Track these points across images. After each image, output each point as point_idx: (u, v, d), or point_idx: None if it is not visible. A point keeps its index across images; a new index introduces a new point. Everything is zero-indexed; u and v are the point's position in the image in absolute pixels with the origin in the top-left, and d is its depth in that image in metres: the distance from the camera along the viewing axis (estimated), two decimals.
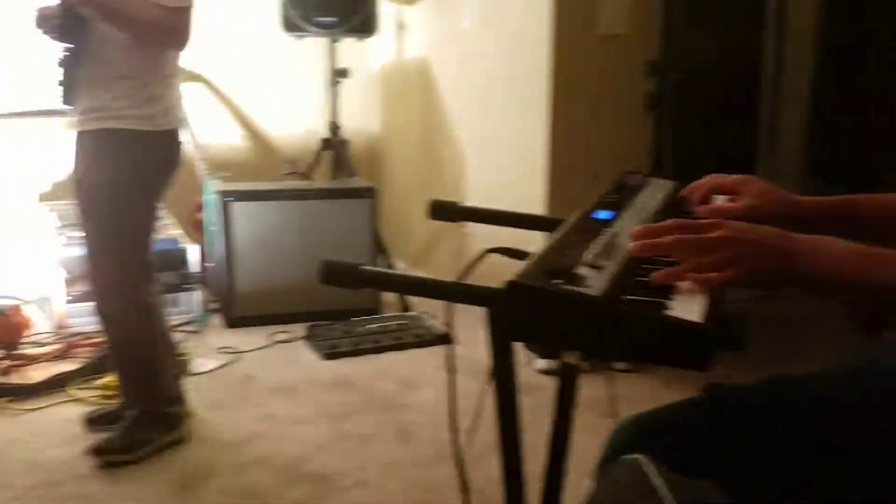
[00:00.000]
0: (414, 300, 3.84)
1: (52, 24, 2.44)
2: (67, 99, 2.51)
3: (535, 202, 3.43)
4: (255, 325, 3.66)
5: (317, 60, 4.09)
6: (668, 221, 1.06)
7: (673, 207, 1.33)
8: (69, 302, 3.54)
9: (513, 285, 0.97)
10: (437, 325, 3.65)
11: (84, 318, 3.52)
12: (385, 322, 3.66)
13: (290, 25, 3.83)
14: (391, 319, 3.69)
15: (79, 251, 3.44)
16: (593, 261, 1.05)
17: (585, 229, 1.20)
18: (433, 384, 3.14)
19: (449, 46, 4.01)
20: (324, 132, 4.12)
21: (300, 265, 3.71)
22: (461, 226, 3.63)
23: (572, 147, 3.44)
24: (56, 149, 3.91)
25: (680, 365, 0.95)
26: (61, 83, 2.48)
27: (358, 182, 3.98)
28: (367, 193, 3.83)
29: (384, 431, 2.79)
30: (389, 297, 3.94)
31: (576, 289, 0.95)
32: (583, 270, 1.01)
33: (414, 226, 4.40)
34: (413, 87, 4.33)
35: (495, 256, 1.26)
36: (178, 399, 2.70)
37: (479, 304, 1.04)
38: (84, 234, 2.55)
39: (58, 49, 2.48)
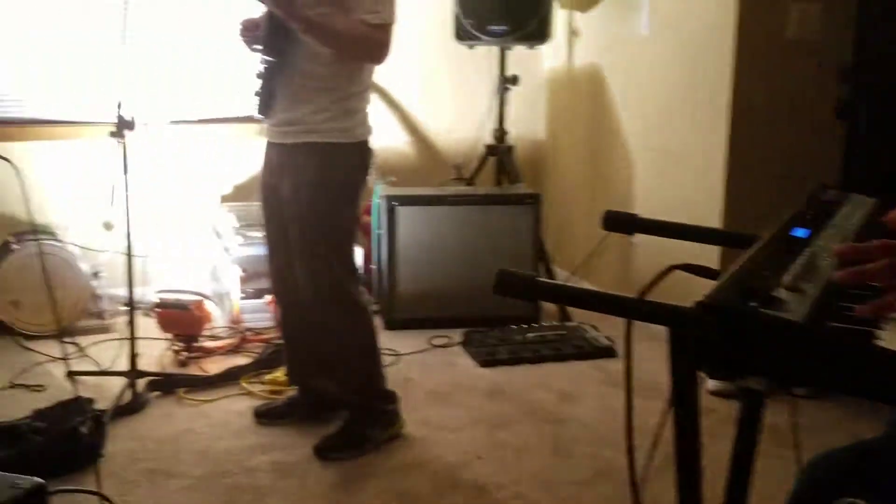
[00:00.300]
0: (573, 310, 3.76)
1: (256, 36, 2.52)
2: (264, 110, 2.57)
3: (711, 216, 3.27)
4: (413, 328, 3.69)
5: (486, 67, 4.09)
6: (876, 243, 0.95)
7: (874, 227, 1.22)
8: (243, 298, 3.69)
9: (704, 306, 0.91)
10: (598, 336, 3.56)
11: (256, 315, 3.67)
12: (544, 332, 3.60)
13: (463, 34, 3.84)
14: (550, 329, 3.63)
15: (255, 251, 3.61)
16: (792, 283, 0.97)
17: (781, 248, 1.11)
18: (593, 398, 3.06)
19: (622, 53, 3.91)
20: (489, 138, 4.11)
21: (461, 270, 3.71)
22: (626, 236, 3.52)
23: (754, 158, 3.26)
24: (237, 153, 4.10)
25: (891, 400, 0.87)
26: (258, 94, 2.55)
27: (522, 189, 3.94)
28: (531, 200, 3.79)
29: (541, 444, 2.74)
30: (549, 305, 3.88)
31: (776, 313, 0.88)
32: (781, 293, 0.93)
33: (577, 234, 4.31)
34: (582, 94, 4.25)
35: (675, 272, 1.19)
36: (393, 395, 2.75)
37: (665, 324, 0.97)
38: (297, 241, 2.60)
39: (254, 59, 2.55)
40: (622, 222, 1.43)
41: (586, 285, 3.75)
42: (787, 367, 0.90)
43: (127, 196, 2.86)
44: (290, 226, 2.58)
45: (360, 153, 2.59)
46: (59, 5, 3.74)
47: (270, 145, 2.66)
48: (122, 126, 2.80)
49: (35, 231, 3.51)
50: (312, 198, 2.53)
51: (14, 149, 3.52)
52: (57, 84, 3.81)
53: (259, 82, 2.54)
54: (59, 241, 3.67)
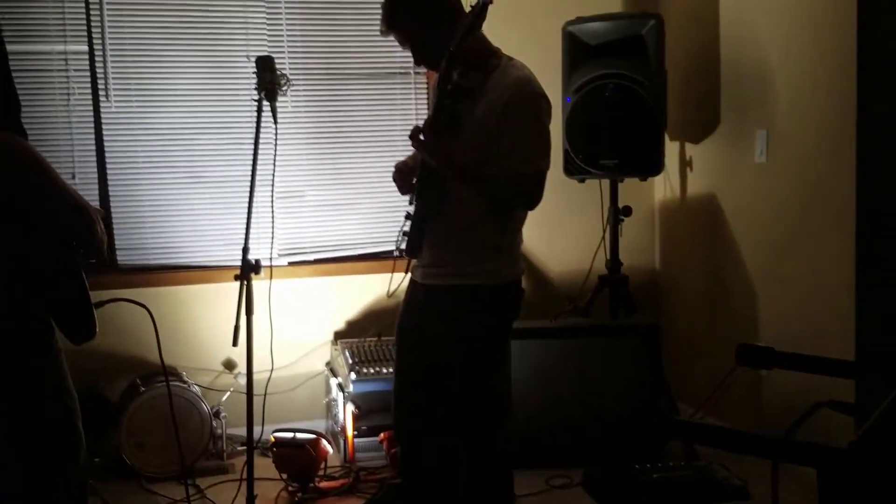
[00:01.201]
0: (700, 447, 3.57)
1: (410, 182, 2.57)
2: (412, 251, 2.59)
3: (842, 346, 3.09)
4: (529, 466, 3.56)
5: (597, 198, 4.10)
6: None
7: None
8: (357, 436, 3.67)
9: (858, 446, 0.84)
10: (730, 477, 3.34)
11: (370, 453, 3.64)
12: (670, 472, 3.40)
13: (573, 169, 3.86)
14: (677, 469, 3.43)
15: (369, 387, 3.61)
16: None
17: None
18: None
19: (737, 181, 3.86)
20: (603, 269, 4.07)
21: (578, 405, 3.60)
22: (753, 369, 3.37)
23: (887, 284, 3.10)
24: (350, 290, 4.19)
25: None
26: (406, 234, 2.58)
27: (639, 320, 3.86)
28: (650, 331, 3.69)
29: None
30: (673, 442, 3.71)
31: None
32: None
33: (698, 367, 4.15)
34: (697, 223, 4.19)
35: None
36: None
37: (814, 465, 0.90)
38: (436, 386, 2.59)
39: (401, 199, 2.62)
40: (757, 356, 1.36)
41: (713, 422, 3.58)
42: None
43: (249, 336, 2.93)
44: (437, 369, 2.57)
45: (508, 295, 2.58)
46: (192, 162, 3.99)
47: (416, 285, 2.66)
48: (248, 269, 2.90)
49: (161, 373, 3.62)
50: (459, 342, 2.51)
51: (147, 294, 3.70)
52: (186, 231, 4.02)
53: (408, 223, 2.58)
54: (184, 381, 3.77)
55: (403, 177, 2.62)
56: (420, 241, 2.57)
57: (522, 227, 2.64)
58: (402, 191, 2.64)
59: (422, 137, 2.43)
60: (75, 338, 1.93)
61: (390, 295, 2.78)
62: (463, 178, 2.44)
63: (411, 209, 2.56)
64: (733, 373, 3.59)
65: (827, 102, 3.30)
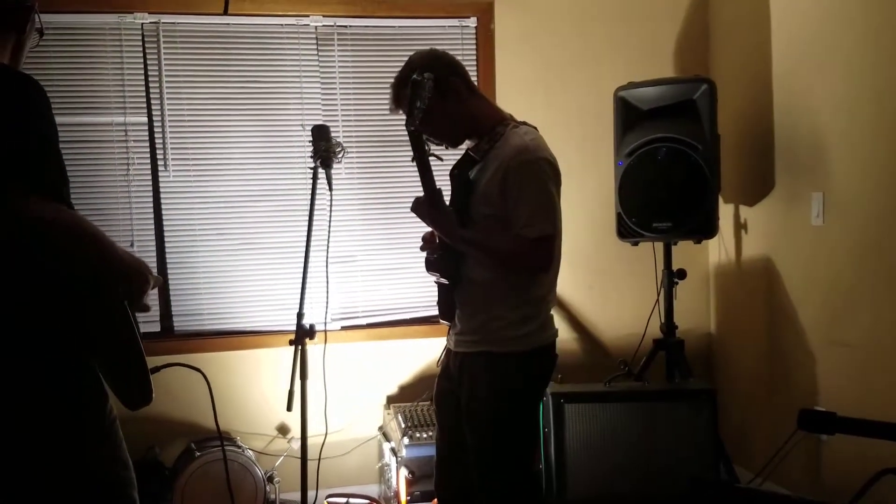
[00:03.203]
0: None
1: (432, 257, 2.60)
2: (446, 316, 2.64)
3: None
4: None
5: (651, 261, 4.07)
6: None
7: None
8: (410, 501, 3.64)
9: None
10: None
11: None
12: None
13: (626, 232, 3.86)
14: None
15: (422, 452, 3.59)
16: None
17: None
18: None
19: (794, 244, 3.80)
20: (657, 332, 4.02)
21: (634, 471, 3.52)
22: (812, 434, 3.27)
23: None
24: (402, 354, 4.20)
25: None
26: (439, 303, 2.63)
27: (695, 384, 3.78)
28: (706, 396, 3.61)
29: None
30: None
31: None
32: None
33: (756, 432, 4.05)
34: (753, 287, 4.13)
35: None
36: None
37: None
38: (477, 452, 2.57)
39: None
40: (819, 421, 1.33)
41: (773, 488, 3.48)
42: None
43: (304, 401, 2.95)
44: (469, 436, 2.55)
45: (538, 361, 2.57)
46: (246, 228, 4.07)
47: (450, 352, 2.68)
48: (303, 334, 2.93)
49: (215, 437, 3.65)
50: (488, 409, 2.50)
51: (202, 359, 3.76)
52: (241, 296, 4.08)
53: (438, 292, 2.63)
54: (238, 446, 3.79)
55: (429, 245, 2.65)
56: (451, 308, 2.60)
57: (553, 292, 2.63)
58: (428, 264, 2.65)
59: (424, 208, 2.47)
60: (131, 403, 1.95)
61: (440, 364, 2.78)
62: (466, 247, 2.48)
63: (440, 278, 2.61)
64: (794, 437, 3.50)
65: (884, 165, 3.26)
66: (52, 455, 1.84)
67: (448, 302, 2.60)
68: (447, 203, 2.50)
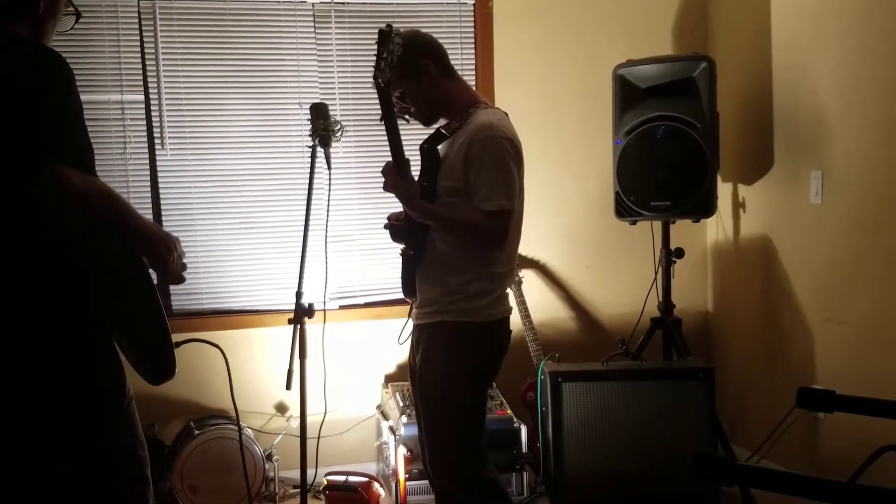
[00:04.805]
0: (756, 491, 3.48)
1: (397, 229, 2.69)
2: (407, 292, 2.72)
3: None
4: None
5: (649, 240, 4.07)
6: None
7: None
8: (409, 479, 3.66)
9: None
10: None
11: (423, 496, 3.62)
12: None
13: (624, 211, 3.85)
14: None
15: (416, 431, 3.60)
16: None
17: None
18: None
19: (792, 223, 3.80)
20: (655, 311, 4.02)
21: (632, 449, 3.54)
22: (809, 412, 3.29)
23: None
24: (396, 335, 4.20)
25: None
26: (402, 279, 2.71)
27: (692, 362, 3.80)
28: (704, 374, 3.61)
29: None
30: (732, 488, 3.62)
31: None
32: None
33: (753, 410, 4.07)
34: (751, 266, 4.14)
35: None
36: None
37: None
38: (424, 421, 2.67)
39: (398, 248, 2.73)
40: (818, 399, 1.33)
41: (771, 466, 3.49)
42: None
43: (303, 380, 2.95)
44: (419, 402, 2.65)
45: (489, 333, 2.61)
46: (244, 207, 4.07)
47: (414, 326, 2.74)
48: (302, 313, 2.93)
49: (214, 416, 3.66)
50: (436, 378, 2.58)
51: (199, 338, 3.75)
52: (239, 275, 4.08)
53: (401, 267, 2.69)
54: (237, 425, 3.80)
55: (392, 225, 2.72)
56: (412, 283, 2.67)
57: (511, 269, 2.71)
58: (394, 237, 2.72)
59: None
60: (156, 376, 1.94)
61: (402, 343, 2.83)
62: (426, 217, 2.54)
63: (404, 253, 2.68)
64: (791, 415, 3.52)
65: (884, 144, 3.25)
66: (73, 432, 1.85)
67: (409, 276, 2.67)
68: (414, 176, 2.55)
